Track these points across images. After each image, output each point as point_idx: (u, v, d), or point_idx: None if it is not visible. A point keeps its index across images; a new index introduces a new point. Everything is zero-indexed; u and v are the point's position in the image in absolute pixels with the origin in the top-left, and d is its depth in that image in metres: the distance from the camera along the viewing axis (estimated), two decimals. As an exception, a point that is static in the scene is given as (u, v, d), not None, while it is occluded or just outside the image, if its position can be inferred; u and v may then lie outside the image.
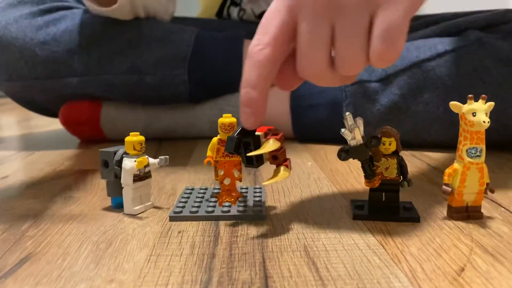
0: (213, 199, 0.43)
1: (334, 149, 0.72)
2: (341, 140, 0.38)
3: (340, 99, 0.72)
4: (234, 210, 0.41)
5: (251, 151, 0.37)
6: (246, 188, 0.48)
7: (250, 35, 0.88)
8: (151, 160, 0.42)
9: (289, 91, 0.41)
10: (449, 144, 0.61)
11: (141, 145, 0.41)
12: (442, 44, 0.69)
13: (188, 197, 0.45)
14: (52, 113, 0.88)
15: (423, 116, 0.69)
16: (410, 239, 0.35)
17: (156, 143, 0.81)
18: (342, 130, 0.37)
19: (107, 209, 0.43)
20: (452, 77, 0.67)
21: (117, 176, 0.42)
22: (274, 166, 0.39)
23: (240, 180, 0.44)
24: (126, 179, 0.41)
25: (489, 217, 0.40)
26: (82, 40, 0.76)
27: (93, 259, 0.32)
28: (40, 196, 0.48)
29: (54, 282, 0.29)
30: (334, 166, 0.60)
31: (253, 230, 0.37)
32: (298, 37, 0.35)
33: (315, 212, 0.42)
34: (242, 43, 0.81)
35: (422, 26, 0.77)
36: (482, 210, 0.39)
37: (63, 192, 0.50)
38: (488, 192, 0.39)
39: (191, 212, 0.40)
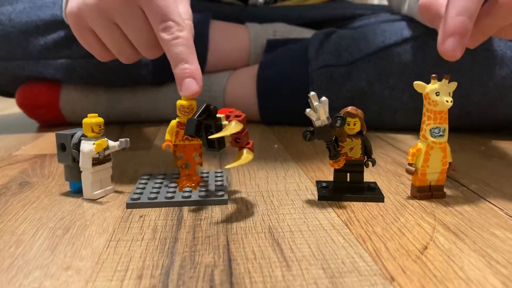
0: (173, 185, 0.42)
1: (300, 131, 0.72)
2: (308, 123, 0.38)
3: (306, 82, 0.72)
4: (195, 196, 0.39)
5: (212, 133, 0.36)
6: (207, 173, 0.47)
7: (217, 16, 0.85)
8: (111, 142, 0.40)
9: (474, 47, 0.41)
10: (413, 130, 0.62)
11: (100, 127, 0.39)
12: (408, 29, 0.69)
13: (146, 183, 0.43)
14: (9, 94, 0.84)
15: (388, 102, 0.69)
16: (375, 219, 0.35)
17: (118, 126, 0.79)
18: (307, 110, 0.36)
19: (66, 194, 0.42)
20: (417, 63, 0.67)
21: (75, 160, 0.40)
22: (237, 149, 0.38)
23: (201, 165, 0.42)
24: (84, 163, 0.39)
25: (451, 196, 0.40)
26: (40, 22, 0.72)
27: (49, 246, 0.31)
28: (-6, 182, 0.46)
29: (5, 272, 0.27)
30: (300, 148, 0.60)
31: (217, 213, 0.37)
32: None
33: (281, 193, 0.41)
34: (208, 23, 0.79)
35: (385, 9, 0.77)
36: (445, 189, 0.40)
37: (18, 177, 0.47)
38: (451, 172, 0.39)
39: (149, 198, 0.39)
